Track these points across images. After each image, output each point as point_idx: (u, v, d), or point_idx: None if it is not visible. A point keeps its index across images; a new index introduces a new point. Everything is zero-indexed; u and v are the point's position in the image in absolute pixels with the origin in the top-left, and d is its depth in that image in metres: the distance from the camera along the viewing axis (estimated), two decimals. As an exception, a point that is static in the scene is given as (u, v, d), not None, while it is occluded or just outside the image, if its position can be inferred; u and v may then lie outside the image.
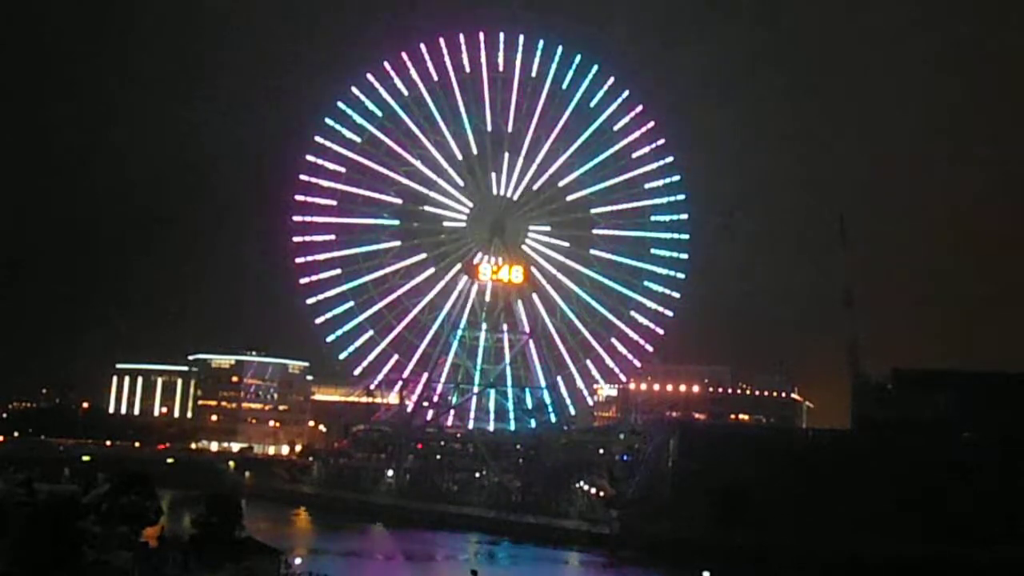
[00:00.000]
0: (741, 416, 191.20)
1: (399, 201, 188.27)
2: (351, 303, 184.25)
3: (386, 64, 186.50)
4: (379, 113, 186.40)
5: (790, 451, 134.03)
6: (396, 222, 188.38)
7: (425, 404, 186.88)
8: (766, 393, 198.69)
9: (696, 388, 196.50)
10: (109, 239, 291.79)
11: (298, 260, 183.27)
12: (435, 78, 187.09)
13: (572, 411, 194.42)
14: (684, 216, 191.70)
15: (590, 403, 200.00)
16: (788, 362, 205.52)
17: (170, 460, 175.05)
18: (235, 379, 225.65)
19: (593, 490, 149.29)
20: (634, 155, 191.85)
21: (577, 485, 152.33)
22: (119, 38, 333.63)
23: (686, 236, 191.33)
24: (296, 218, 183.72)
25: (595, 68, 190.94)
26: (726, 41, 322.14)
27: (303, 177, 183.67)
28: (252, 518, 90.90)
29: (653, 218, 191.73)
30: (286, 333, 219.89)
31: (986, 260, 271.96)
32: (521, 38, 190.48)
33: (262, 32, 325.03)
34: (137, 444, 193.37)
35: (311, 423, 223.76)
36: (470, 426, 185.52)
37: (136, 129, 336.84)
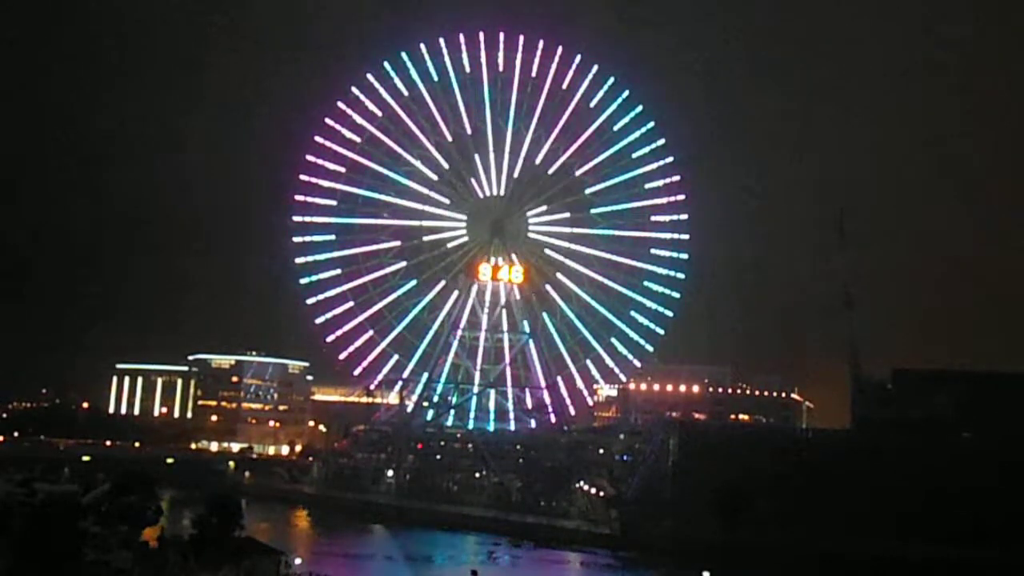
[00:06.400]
0: (741, 416, 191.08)
1: (400, 201, 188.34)
2: (351, 303, 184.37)
3: (386, 64, 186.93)
4: (379, 113, 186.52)
5: (790, 451, 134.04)
6: (396, 221, 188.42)
7: (425, 404, 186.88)
8: (766, 393, 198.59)
9: (696, 388, 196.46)
10: (109, 240, 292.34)
11: (298, 260, 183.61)
12: (435, 78, 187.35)
13: (572, 411, 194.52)
14: (684, 216, 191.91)
15: (590, 403, 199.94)
16: (788, 362, 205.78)
17: (170, 460, 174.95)
18: (235, 379, 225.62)
19: (593, 490, 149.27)
20: (634, 155, 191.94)
21: (577, 485, 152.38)
22: (120, 38, 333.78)
23: (686, 236, 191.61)
24: (296, 218, 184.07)
25: (595, 68, 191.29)
26: (727, 41, 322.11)
27: (303, 177, 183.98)
28: (252, 518, 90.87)
29: (653, 218, 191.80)
30: (286, 333, 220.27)
31: (986, 260, 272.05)
32: (521, 38, 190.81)
33: (262, 32, 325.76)
34: (137, 444, 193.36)
35: (311, 423, 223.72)
36: (470, 426, 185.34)
37: (136, 130, 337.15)
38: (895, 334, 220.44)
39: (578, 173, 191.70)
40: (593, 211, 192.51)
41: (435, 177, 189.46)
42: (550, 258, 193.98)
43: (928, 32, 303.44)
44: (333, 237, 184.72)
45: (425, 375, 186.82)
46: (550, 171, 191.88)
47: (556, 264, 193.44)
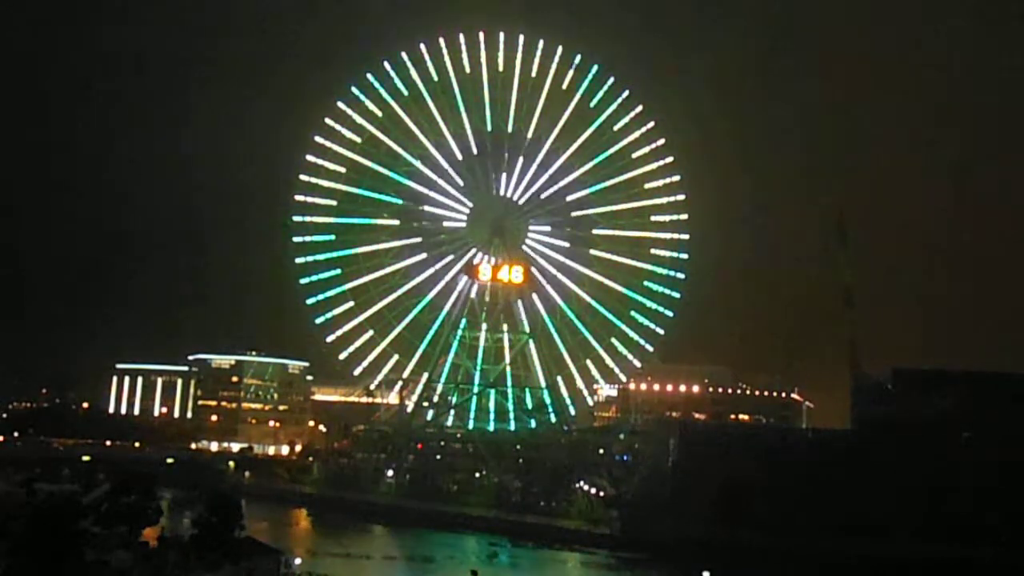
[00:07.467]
0: (741, 416, 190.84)
1: (399, 201, 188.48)
2: (351, 303, 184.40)
3: (386, 64, 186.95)
4: (379, 113, 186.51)
5: (790, 451, 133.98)
6: (396, 222, 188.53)
7: (425, 404, 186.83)
8: (766, 393, 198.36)
9: (696, 388, 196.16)
10: (109, 239, 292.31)
11: (298, 260, 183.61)
12: (435, 78, 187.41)
13: (572, 411, 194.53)
14: (684, 216, 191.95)
15: (590, 403, 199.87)
16: (788, 362, 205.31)
17: (170, 460, 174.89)
18: (235, 379, 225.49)
19: (593, 490, 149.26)
20: (634, 155, 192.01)
21: (577, 485, 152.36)
22: (120, 38, 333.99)
23: (686, 236, 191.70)
24: (296, 218, 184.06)
25: (595, 68, 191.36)
26: (727, 41, 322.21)
27: (303, 177, 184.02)
28: (252, 518, 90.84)
29: (653, 218, 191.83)
30: (286, 333, 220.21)
31: (986, 260, 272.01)
32: (521, 38, 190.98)
33: (262, 32, 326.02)
34: (137, 444, 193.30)
35: (311, 423, 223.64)
36: (470, 426, 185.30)
37: (136, 130, 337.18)
38: (895, 334, 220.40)
39: (578, 173, 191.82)
40: (593, 211, 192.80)
41: (434, 177, 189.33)
42: (550, 257, 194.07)
43: (928, 32, 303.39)
44: (333, 237, 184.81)
45: (425, 375, 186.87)
46: (550, 171, 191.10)
47: (557, 264, 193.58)
